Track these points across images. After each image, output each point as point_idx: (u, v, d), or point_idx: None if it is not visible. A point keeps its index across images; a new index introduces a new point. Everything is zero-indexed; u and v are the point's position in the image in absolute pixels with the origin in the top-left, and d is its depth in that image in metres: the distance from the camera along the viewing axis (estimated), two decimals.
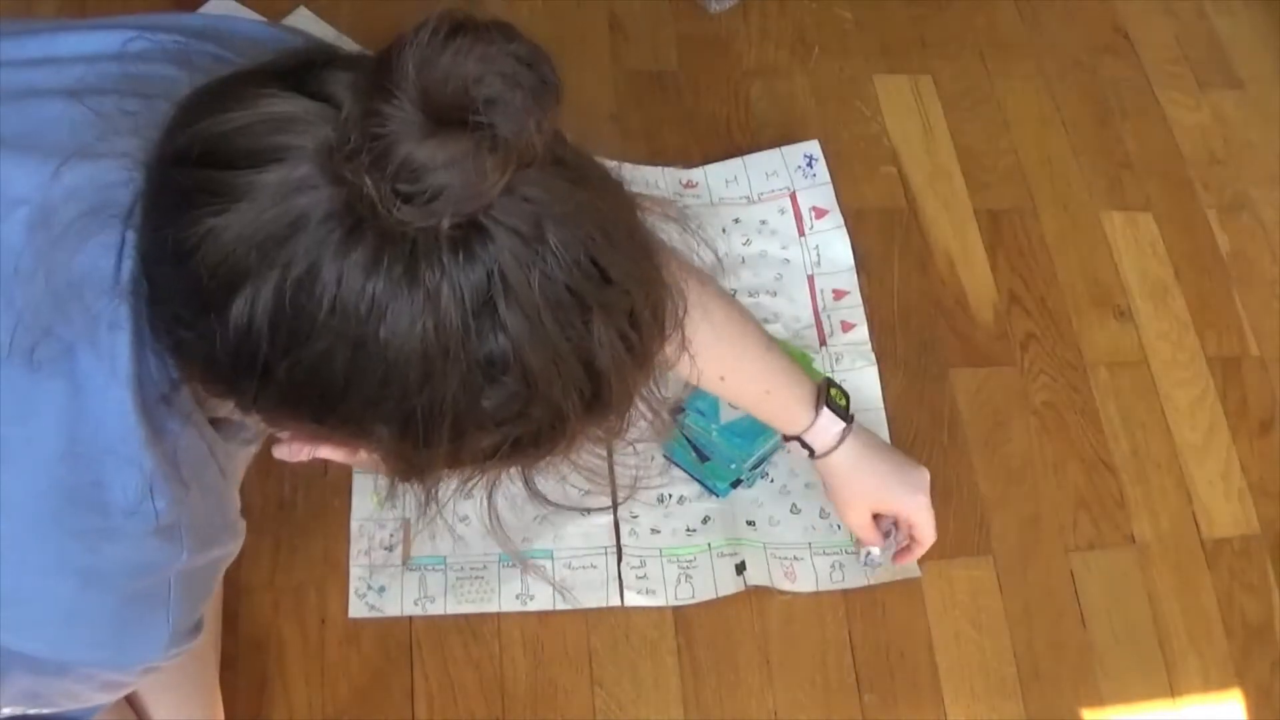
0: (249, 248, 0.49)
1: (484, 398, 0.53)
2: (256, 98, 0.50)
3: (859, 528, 1.05)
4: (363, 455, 0.60)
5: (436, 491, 0.62)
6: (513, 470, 0.62)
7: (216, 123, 0.51)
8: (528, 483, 0.64)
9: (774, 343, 0.98)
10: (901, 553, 1.06)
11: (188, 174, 0.51)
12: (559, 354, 0.53)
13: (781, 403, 0.99)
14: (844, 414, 0.99)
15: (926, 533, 1.03)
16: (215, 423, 0.67)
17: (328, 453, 0.60)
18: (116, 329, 0.57)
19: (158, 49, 0.64)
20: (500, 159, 0.48)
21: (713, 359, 0.93)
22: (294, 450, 0.61)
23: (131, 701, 0.92)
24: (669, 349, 0.61)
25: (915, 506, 1.02)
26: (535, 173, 0.51)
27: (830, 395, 0.98)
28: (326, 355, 0.51)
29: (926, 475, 1.03)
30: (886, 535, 1.05)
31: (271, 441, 0.64)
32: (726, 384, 0.97)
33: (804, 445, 1.00)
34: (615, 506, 1.14)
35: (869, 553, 1.06)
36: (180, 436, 0.62)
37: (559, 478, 0.64)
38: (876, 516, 1.04)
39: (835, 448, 0.99)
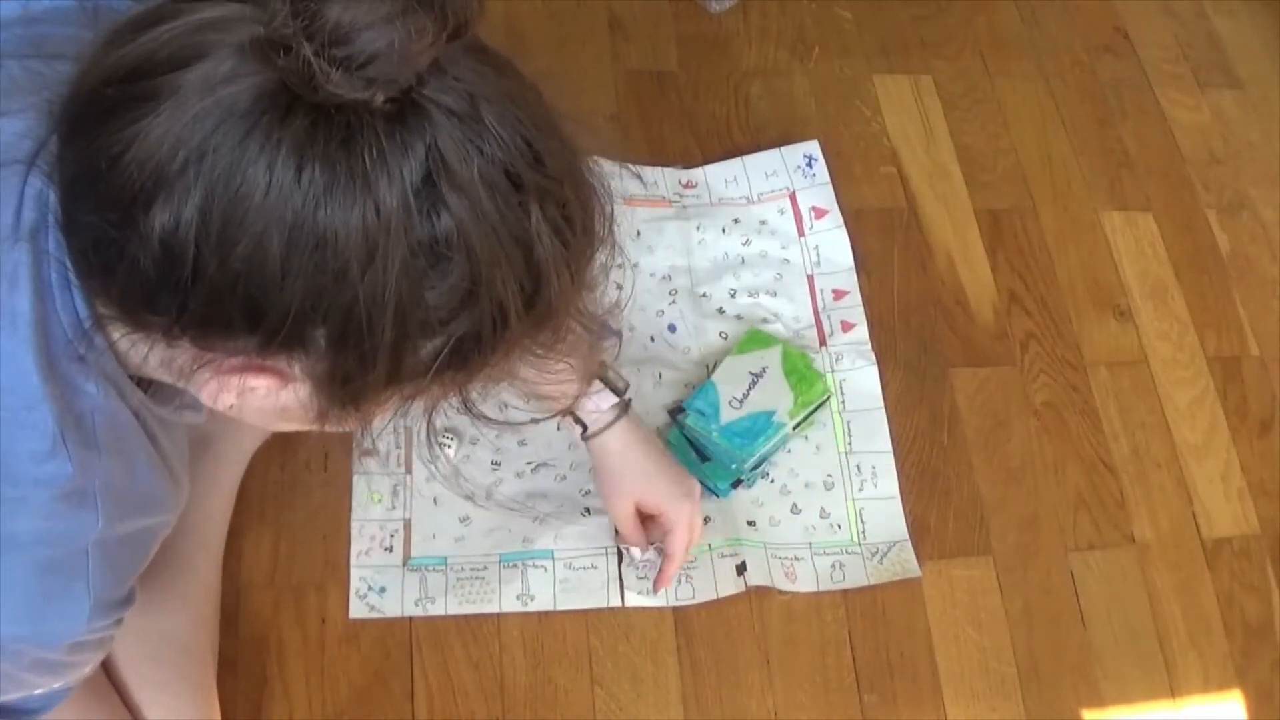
0: (176, 144, 0.48)
1: (427, 286, 0.51)
2: (182, 11, 0.50)
3: (622, 520, 1.05)
4: (291, 395, 0.57)
5: (372, 422, 0.60)
6: (451, 396, 0.60)
7: (143, 40, 0.50)
8: (466, 403, 0.61)
9: None
10: (659, 575, 1.07)
11: (114, 89, 0.50)
12: (500, 239, 0.52)
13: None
14: (619, 393, 1.00)
15: (678, 543, 1.03)
16: (147, 389, 0.65)
17: (255, 385, 0.56)
18: (15, 286, 0.55)
19: (59, 11, 0.63)
20: (430, 19, 0.48)
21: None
22: (219, 389, 0.57)
23: (126, 701, 0.92)
24: (600, 258, 0.60)
25: (679, 511, 1.02)
26: (464, 56, 0.51)
27: (606, 375, 0.99)
28: (261, 244, 0.49)
29: (697, 487, 1.04)
30: (652, 544, 1.07)
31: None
32: None
33: (577, 421, 1.01)
34: None
35: (629, 551, 1.09)
36: (97, 398, 0.60)
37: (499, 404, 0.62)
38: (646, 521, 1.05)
39: (607, 427, 1.00)
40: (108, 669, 0.93)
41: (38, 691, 0.70)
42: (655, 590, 1.08)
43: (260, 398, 0.57)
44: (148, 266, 0.50)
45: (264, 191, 0.48)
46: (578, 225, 0.57)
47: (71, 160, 0.54)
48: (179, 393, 0.67)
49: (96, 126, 0.50)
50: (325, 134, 0.48)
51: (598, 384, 0.98)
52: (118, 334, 0.58)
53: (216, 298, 0.51)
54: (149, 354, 0.57)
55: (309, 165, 0.48)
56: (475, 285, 0.52)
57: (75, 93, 0.53)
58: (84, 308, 0.57)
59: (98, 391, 0.60)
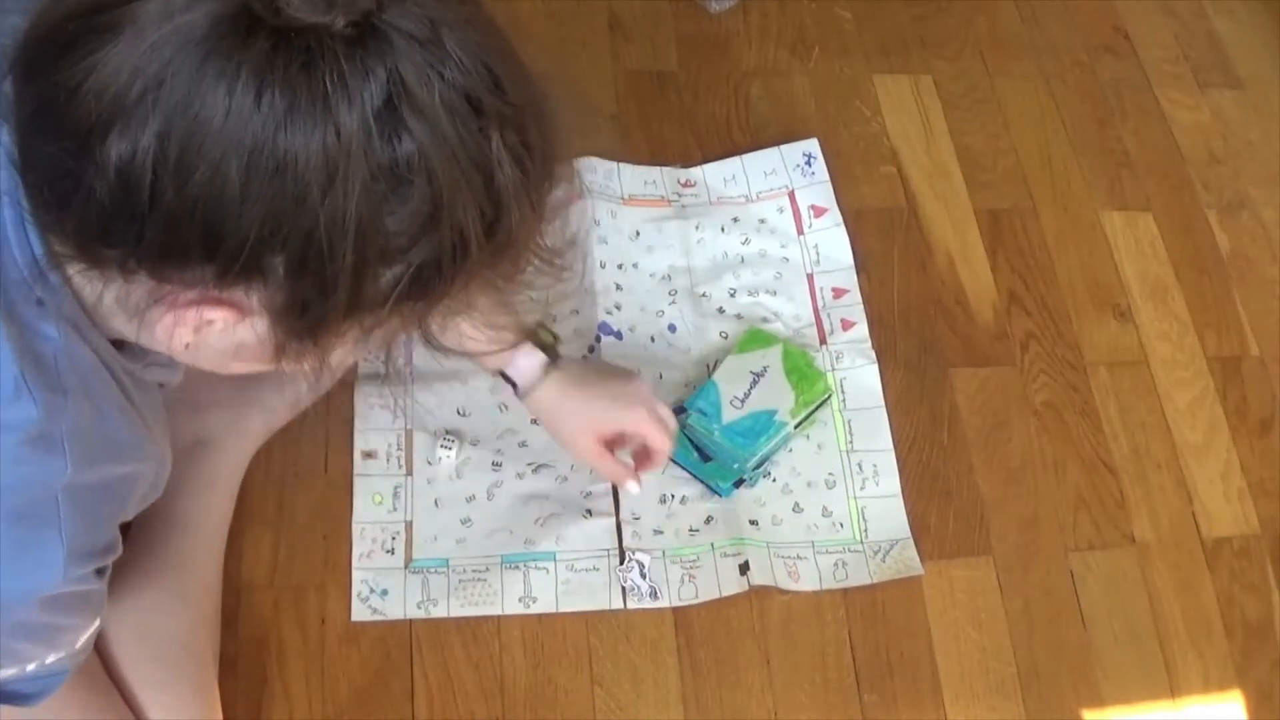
0: (134, 72, 0.48)
1: (387, 211, 0.51)
2: None
3: (592, 459, 1.05)
4: (249, 330, 0.56)
5: (330, 357, 0.59)
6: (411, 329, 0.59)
7: None
8: (426, 335, 0.61)
9: None
10: (641, 461, 1.07)
11: (74, 24, 0.50)
12: (461, 164, 0.52)
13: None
14: (549, 350, 1.01)
15: (658, 440, 1.04)
16: (121, 349, 0.65)
17: (212, 318, 0.55)
18: None
19: None
20: None
21: None
22: (175, 324, 0.56)
23: (128, 702, 0.92)
24: (559, 193, 0.60)
25: (637, 419, 1.02)
26: None
27: (537, 333, 1.00)
28: (220, 169, 0.49)
29: (641, 386, 1.04)
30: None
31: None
32: None
33: (508, 381, 1.02)
34: (617, 508, 1.14)
35: (624, 488, 1.08)
36: (58, 342, 0.60)
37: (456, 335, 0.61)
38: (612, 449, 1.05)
39: (537, 384, 1.01)
40: (109, 669, 0.93)
41: (30, 668, 0.69)
42: (639, 485, 1.08)
43: (217, 334, 0.57)
44: (104, 196, 0.50)
45: (223, 116, 0.48)
46: (537, 154, 0.56)
47: (30, 97, 0.53)
48: (147, 351, 0.67)
49: (55, 61, 0.50)
50: (285, 58, 0.48)
51: (528, 345, 1.00)
52: (74, 271, 0.58)
53: (174, 226, 0.50)
54: (104, 292, 0.57)
55: (269, 89, 0.48)
56: (436, 210, 0.52)
57: (33, 31, 0.53)
58: (39, 245, 0.57)
59: (58, 335, 0.59)
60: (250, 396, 1.09)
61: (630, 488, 1.08)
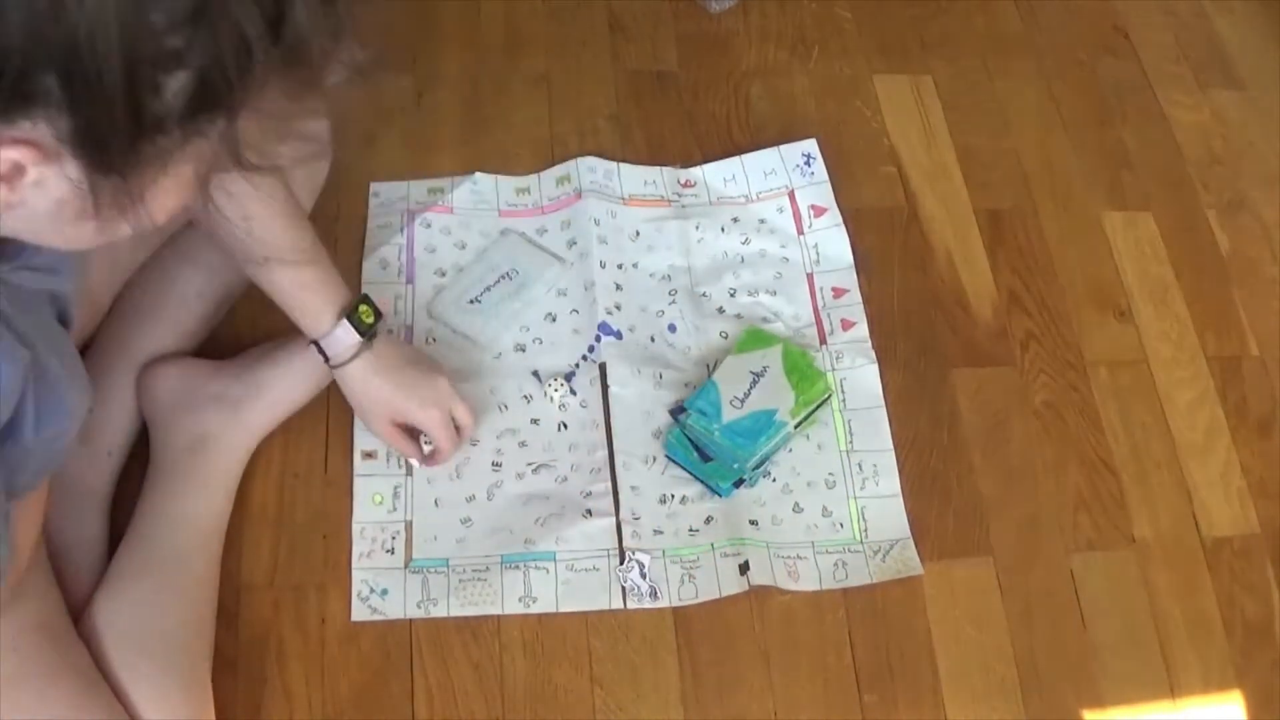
0: None
1: (151, 6, 0.48)
2: None
3: (384, 436, 1.11)
4: (60, 176, 0.53)
5: (151, 203, 0.56)
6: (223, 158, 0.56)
7: None
8: (239, 158, 0.57)
9: (321, 252, 1.03)
10: (430, 456, 1.13)
11: None
12: None
13: (312, 304, 1.03)
14: (365, 331, 1.04)
15: (441, 443, 1.10)
16: None
17: (16, 158, 0.52)
18: None
19: None
20: None
21: (267, 229, 0.96)
22: None
23: (119, 696, 0.92)
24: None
25: (427, 420, 1.08)
26: None
27: (357, 311, 1.03)
28: None
29: (443, 386, 1.09)
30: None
31: None
32: (268, 266, 1.00)
33: (320, 351, 1.04)
34: (617, 508, 1.14)
35: (409, 461, 1.14)
36: None
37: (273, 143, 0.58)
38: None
39: (349, 361, 1.04)
40: (100, 663, 0.93)
41: None
42: (424, 465, 1.14)
43: (32, 188, 0.54)
44: None
45: None
46: None
47: None
48: (18, 248, 0.64)
49: None
50: None
51: (345, 321, 1.02)
52: None
53: None
54: None
55: None
56: (204, 2, 0.49)
57: None
58: None
59: None
60: (249, 392, 1.09)
61: (413, 462, 1.14)
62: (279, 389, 1.11)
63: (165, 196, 0.58)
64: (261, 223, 0.96)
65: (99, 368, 1.08)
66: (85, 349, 1.09)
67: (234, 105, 0.54)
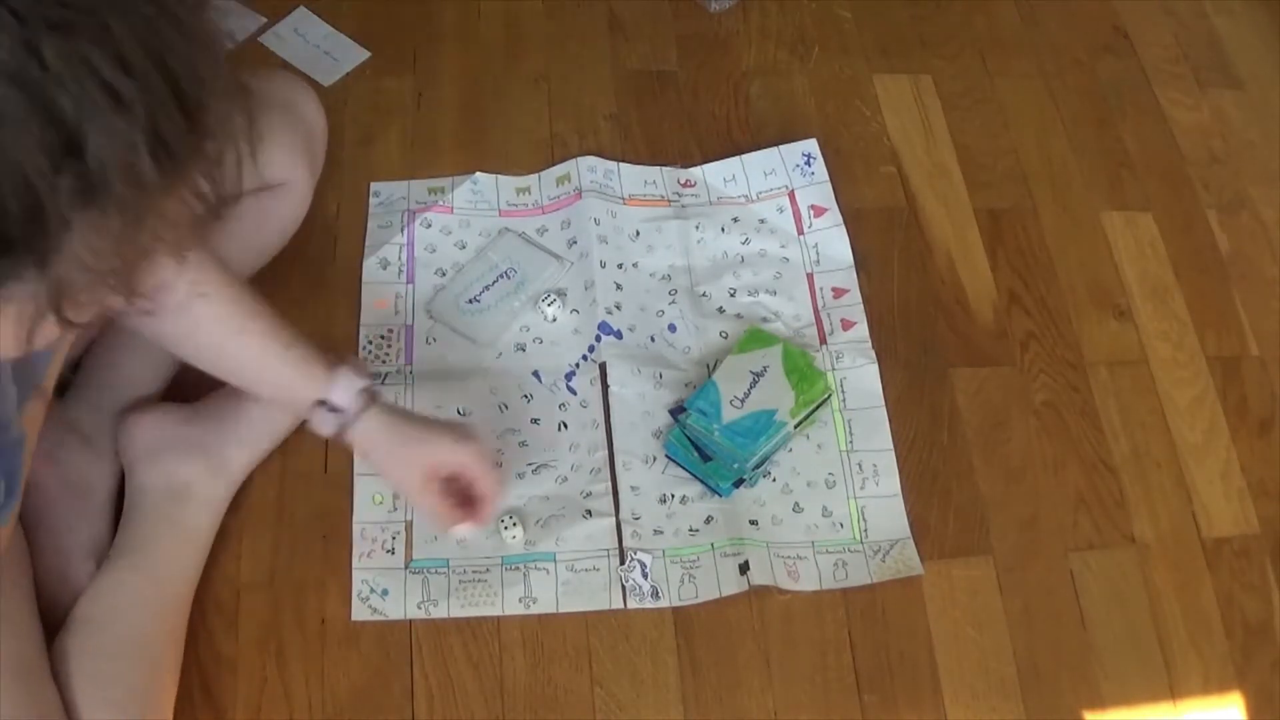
0: None
1: None
2: None
3: (419, 495, 1.00)
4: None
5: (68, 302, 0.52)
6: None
7: None
8: (58, 309, 0.52)
9: (293, 332, 0.96)
10: (467, 511, 1.02)
11: None
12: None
13: (301, 370, 0.96)
14: (368, 374, 0.99)
15: (487, 483, 0.99)
16: None
17: None
18: None
19: None
20: None
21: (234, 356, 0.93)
22: None
23: (64, 697, 0.90)
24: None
25: (470, 453, 0.98)
26: None
27: (349, 361, 0.98)
28: None
29: (473, 427, 1.03)
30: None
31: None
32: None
33: (331, 409, 0.97)
34: (617, 509, 1.14)
35: (453, 531, 1.03)
36: None
37: None
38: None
39: (364, 412, 0.97)
40: (55, 665, 0.91)
41: None
42: (476, 524, 1.02)
43: None
44: None
45: None
46: (139, 70, 0.48)
47: None
48: None
49: None
50: None
51: (345, 370, 0.96)
52: None
53: None
54: None
55: None
56: None
57: None
58: None
59: None
60: (228, 438, 1.07)
61: (460, 530, 1.03)
62: (258, 428, 1.09)
63: (16, 332, 0.53)
64: (224, 349, 0.93)
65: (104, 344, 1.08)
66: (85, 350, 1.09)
67: (40, 251, 0.49)
